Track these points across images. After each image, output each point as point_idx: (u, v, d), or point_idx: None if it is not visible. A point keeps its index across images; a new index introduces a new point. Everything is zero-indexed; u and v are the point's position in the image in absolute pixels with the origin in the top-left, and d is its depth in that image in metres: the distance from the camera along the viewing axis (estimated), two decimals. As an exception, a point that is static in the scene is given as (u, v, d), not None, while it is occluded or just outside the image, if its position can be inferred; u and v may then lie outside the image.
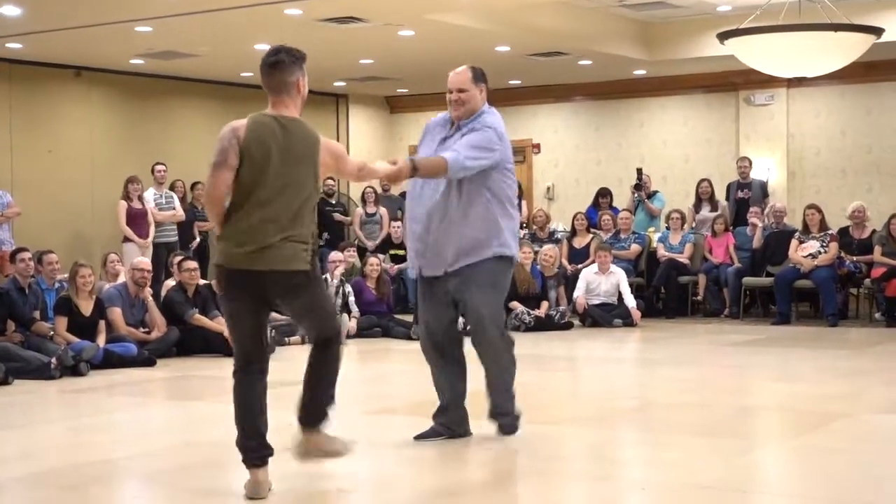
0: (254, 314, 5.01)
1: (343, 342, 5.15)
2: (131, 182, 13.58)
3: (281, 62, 4.98)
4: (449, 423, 6.16)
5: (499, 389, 6.16)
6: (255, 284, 4.91)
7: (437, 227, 6.01)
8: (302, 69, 5.03)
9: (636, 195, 15.00)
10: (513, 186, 6.13)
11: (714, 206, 14.59)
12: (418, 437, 6.14)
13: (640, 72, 16.09)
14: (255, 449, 4.94)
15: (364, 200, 15.63)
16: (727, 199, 14.71)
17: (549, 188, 17.80)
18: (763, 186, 14.81)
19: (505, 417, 6.19)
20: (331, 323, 5.11)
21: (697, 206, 14.69)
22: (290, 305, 5.08)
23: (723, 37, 11.88)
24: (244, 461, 4.98)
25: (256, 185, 4.88)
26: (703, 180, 14.84)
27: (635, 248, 14.05)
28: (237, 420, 4.98)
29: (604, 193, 15.42)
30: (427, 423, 6.20)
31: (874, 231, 13.09)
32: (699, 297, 13.85)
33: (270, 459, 4.99)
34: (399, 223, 15.06)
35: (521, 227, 15.04)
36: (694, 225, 14.55)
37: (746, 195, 14.46)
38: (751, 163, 14.83)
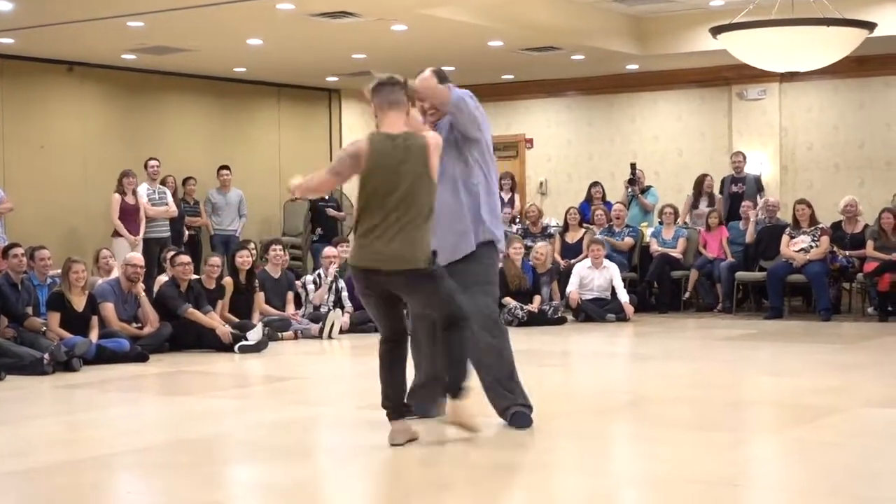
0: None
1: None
2: (126, 176, 13.52)
3: (396, 82, 5.75)
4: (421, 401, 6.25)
5: (503, 381, 6.17)
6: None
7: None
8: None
9: (630, 190, 15.00)
10: (493, 164, 6.30)
11: (711, 200, 14.60)
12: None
13: (633, 66, 16.08)
14: (396, 407, 5.80)
15: (358, 196, 15.56)
16: (721, 193, 14.73)
17: (541, 183, 17.78)
18: (758, 181, 14.82)
19: (516, 407, 6.18)
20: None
21: (696, 201, 14.69)
22: None
23: (715, 31, 11.88)
24: (391, 414, 5.81)
25: None
26: (705, 175, 14.83)
27: (629, 240, 14.06)
28: (382, 380, 5.88)
29: (595, 184, 15.41)
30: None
31: (866, 225, 13.11)
32: (687, 296, 13.82)
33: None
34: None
35: (514, 222, 15.06)
36: (688, 220, 14.55)
37: (741, 189, 14.48)
38: (745, 157, 14.84)
